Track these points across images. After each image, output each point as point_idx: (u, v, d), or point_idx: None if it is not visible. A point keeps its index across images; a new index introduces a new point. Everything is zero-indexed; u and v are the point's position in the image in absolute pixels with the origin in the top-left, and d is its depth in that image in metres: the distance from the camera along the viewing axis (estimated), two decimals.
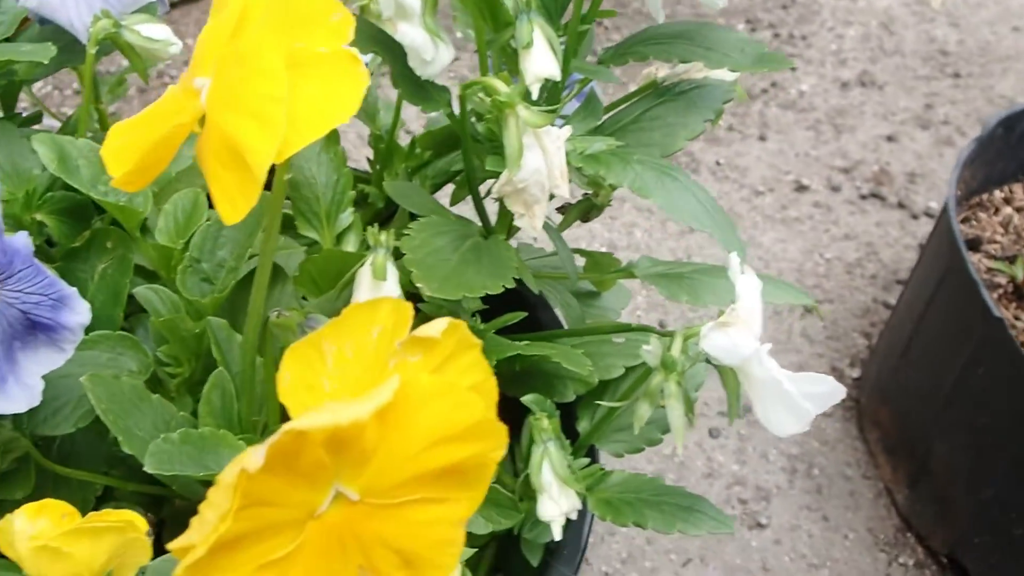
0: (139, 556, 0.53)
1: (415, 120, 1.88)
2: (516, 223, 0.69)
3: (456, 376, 0.47)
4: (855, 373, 1.66)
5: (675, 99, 0.80)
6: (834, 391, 0.66)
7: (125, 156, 0.52)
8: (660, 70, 0.83)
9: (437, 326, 0.46)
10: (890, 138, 2.08)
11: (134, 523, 0.52)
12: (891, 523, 1.48)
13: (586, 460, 0.78)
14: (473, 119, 0.77)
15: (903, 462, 1.48)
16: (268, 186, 0.52)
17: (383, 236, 0.66)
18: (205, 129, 0.53)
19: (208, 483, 0.64)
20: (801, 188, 1.97)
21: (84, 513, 0.71)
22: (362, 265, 0.65)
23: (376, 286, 0.65)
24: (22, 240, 0.59)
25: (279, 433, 0.40)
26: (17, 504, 0.68)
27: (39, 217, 0.75)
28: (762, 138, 2.06)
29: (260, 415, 0.68)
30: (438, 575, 0.48)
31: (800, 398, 0.64)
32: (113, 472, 0.72)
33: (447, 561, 0.48)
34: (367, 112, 0.95)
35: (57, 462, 0.69)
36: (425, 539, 0.47)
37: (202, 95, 0.53)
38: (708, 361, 0.67)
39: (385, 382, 0.43)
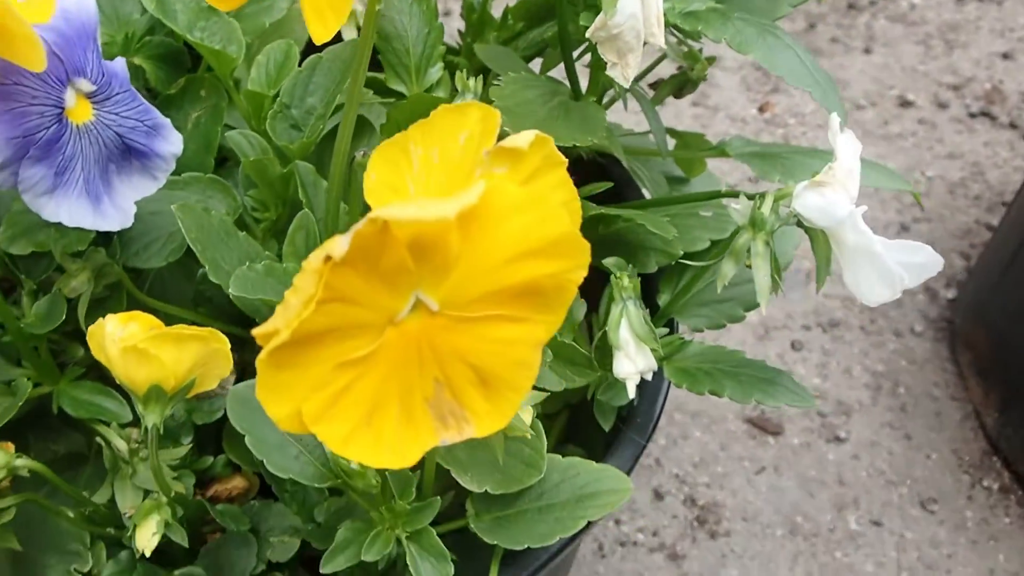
0: (221, 367, 0.55)
1: None
2: (608, 72, 0.67)
3: (545, 190, 0.47)
4: (950, 294, 1.62)
5: None
6: (931, 262, 0.64)
7: None
8: None
9: (525, 137, 0.45)
10: (1006, 55, 1.99)
11: (217, 335, 0.53)
12: (977, 446, 1.45)
13: (665, 330, 0.77)
14: None
15: (996, 385, 1.44)
16: None
17: (472, 81, 0.65)
18: None
19: None
20: (905, 104, 1.90)
21: None
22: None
23: None
24: (119, 64, 0.60)
25: (364, 220, 0.40)
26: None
27: (137, 61, 0.76)
28: (867, 51, 1.99)
29: None
30: (512, 396, 0.48)
31: (894, 265, 0.62)
32: (200, 311, 0.73)
33: (521, 383, 0.48)
34: None
35: (148, 295, 0.71)
36: (501, 357, 0.47)
37: None
38: (800, 225, 0.65)
39: (471, 187, 0.42)
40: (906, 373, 1.53)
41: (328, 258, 0.40)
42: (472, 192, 0.42)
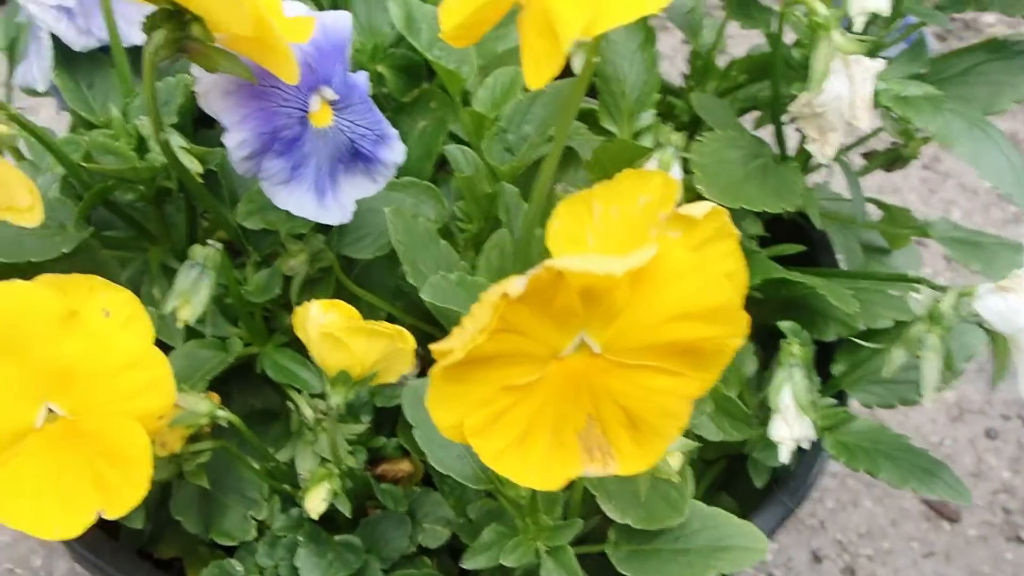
0: (402, 365, 0.61)
1: (737, 42, 1.82)
2: (807, 147, 0.69)
3: (713, 259, 0.50)
4: None
5: (1010, 57, 0.76)
6: None
7: (457, 10, 0.58)
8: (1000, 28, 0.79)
9: (701, 208, 0.49)
10: None
11: (403, 335, 0.59)
12: None
13: (833, 401, 0.78)
14: (790, 46, 0.78)
15: None
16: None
17: (674, 136, 0.68)
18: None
19: None
20: None
21: None
22: (650, 158, 0.68)
23: None
24: (361, 78, 0.67)
25: (540, 267, 0.44)
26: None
27: (380, 69, 0.83)
28: None
29: None
30: (657, 442, 0.51)
31: None
32: (396, 304, 0.80)
33: (668, 431, 0.51)
34: (691, 27, 0.96)
35: (354, 283, 0.78)
36: (652, 405, 0.51)
37: None
38: (980, 325, 0.65)
39: (643, 247, 0.46)
40: None
41: (505, 295, 0.44)
42: (643, 254, 0.46)
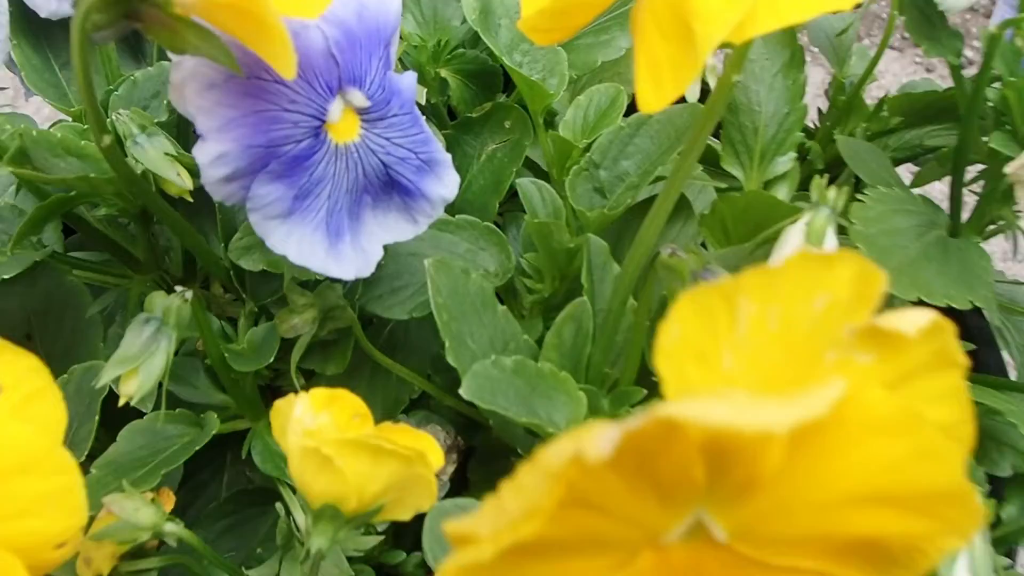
0: (421, 498, 0.42)
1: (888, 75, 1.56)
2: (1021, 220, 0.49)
3: (922, 403, 0.30)
4: None
5: None
6: None
7: None
8: None
9: (915, 319, 0.29)
10: None
11: (426, 456, 0.40)
12: None
13: (1006, 561, 0.57)
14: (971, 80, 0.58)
15: None
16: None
17: (832, 193, 0.49)
18: None
19: (530, 432, 0.52)
20: None
21: (389, 415, 0.62)
22: (794, 221, 0.49)
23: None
24: (407, 81, 0.49)
25: (646, 419, 0.25)
26: (327, 381, 0.60)
27: (444, 73, 0.65)
28: None
29: (614, 367, 0.55)
30: None
31: None
32: (436, 378, 0.62)
33: None
34: (836, 52, 0.77)
35: (381, 348, 0.60)
36: None
37: None
38: None
39: (820, 384, 0.27)
40: None
41: (579, 460, 0.25)
42: (821, 396, 0.27)
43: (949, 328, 0.31)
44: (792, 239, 0.49)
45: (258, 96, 0.43)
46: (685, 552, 0.30)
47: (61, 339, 0.64)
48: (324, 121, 0.45)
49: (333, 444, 0.39)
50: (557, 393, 0.51)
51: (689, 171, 0.45)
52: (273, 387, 0.65)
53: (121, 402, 0.47)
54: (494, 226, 0.60)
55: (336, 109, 0.45)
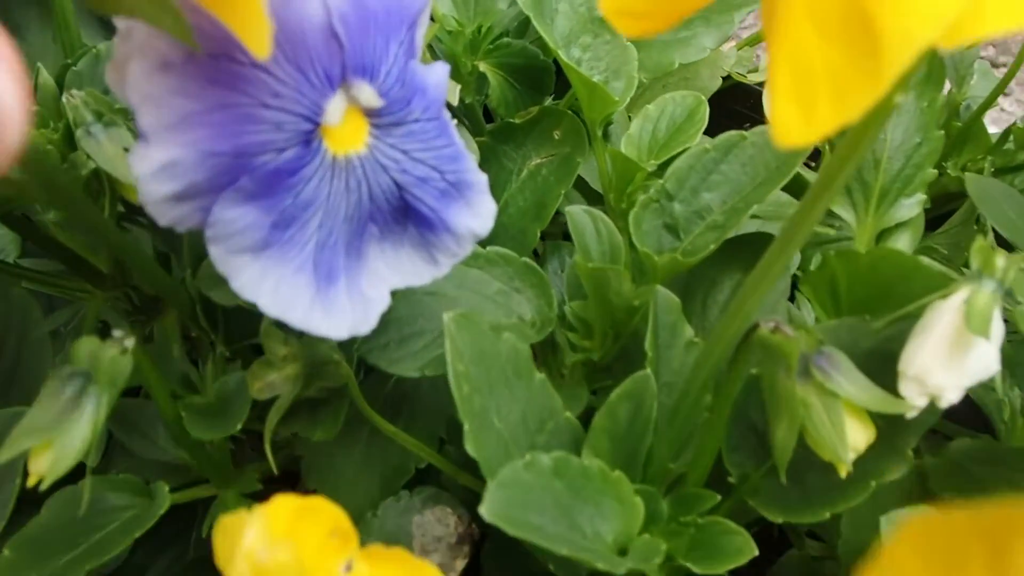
0: None
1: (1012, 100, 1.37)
2: None
3: None
4: None
5: None
6: None
7: None
8: None
9: None
10: None
11: None
12: None
13: None
14: None
15: None
16: None
17: (1000, 260, 0.36)
18: None
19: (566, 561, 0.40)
20: None
21: (390, 489, 0.49)
22: (946, 295, 0.36)
23: (963, 344, 0.36)
24: (436, 75, 0.36)
25: None
26: (312, 445, 0.48)
27: (483, 67, 0.53)
28: None
29: (678, 461, 0.43)
30: None
31: None
32: (448, 447, 0.50)
33: None
34: (957, 68, 0.64)
35: (382, 409, 0.48)
36: None
37: None
38: None
39: None
40: None
41: None
42: None
43: None
44: (943, 321, 0.36)
45: (229, 85, 0.31)
46: None
47: (4, 360, 0.53)
48: (319, 124, 0.33)
49: None
50: (606, 498, 0.39)
51: (818, 215, 0.33)
52: (250, 433, 0.53)
53: (31, 482, 0.35)
54: (534, 263, 0.47)
55: (336, 108, 0.33)
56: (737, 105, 0.77)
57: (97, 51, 0.47)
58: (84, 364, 0.35)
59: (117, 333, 0.36)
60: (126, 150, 0.42)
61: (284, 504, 0.30)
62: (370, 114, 0.35)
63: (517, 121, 0.53)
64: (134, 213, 0.47)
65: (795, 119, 0.27)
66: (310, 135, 0.33)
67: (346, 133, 0.34)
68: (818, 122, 0.26)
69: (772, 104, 0.27)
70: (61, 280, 0.53)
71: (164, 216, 0.32)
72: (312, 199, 0.34)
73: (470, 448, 0.38)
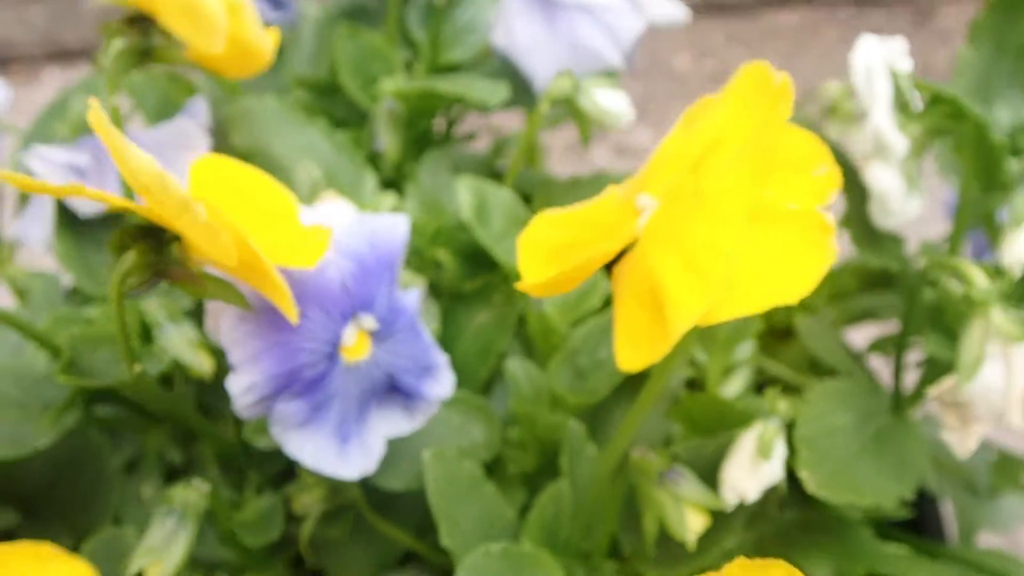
0: None
1: None
2: (943, 435, 0.56)
3: None
4: None
5: None
6: None
7: (542, 263, 0.47)
8: None
9: None
10: None
11: None
12: None
13: None
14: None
15: None
16: None
17: (782, 404, 0.56)
18: (633, 254, 0.46)
19: None
20: None
21: (383, 566, 0.68)
22: (746, 429, 0.56)
23: (756, 463, 0.55)
24: (412, 298, 0.56)
25: None
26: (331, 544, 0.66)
27: (440, 254, 0.72)
28: None
29: (587, 541, 0.61)
30: None
31: None
32: (428, 538, 0.68)
33: None
34: None
35: (375, 506, 0.66)
36: None
37: (641, 219, 0.46)
38: None
39: None
40: None
41: None
42: None
43: None
44: (746, 446, 0.56)
45: (281, 330, 0.50)
46: None
47: (81, 489, 0.70)
48: (338, 346, 0.52)
49: None
50: (538, 570, 0.57)
51: (660, 388, 0.52)
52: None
53: None
54: (484, 402, 0.66)
55: (350, 335, 0.52)
56: None
57: None
58: (176, 505, 0.54)
59: (197, 482, 0.55)
60: (190, 342, 0.61)
61: None
62: (370, 333, 0.54)
63: (467, 290, 0.72)
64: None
65: (630, 352, 0.46)
66: (333, 354, 0.52)
67: (356, 349, 0.53)
68: (642, 356, 0.45)
69: (616, 338, 0.47)
70: (123, 422, 0.71)
71: (245, 414, 0.50)
72: (335, 392, 0.53)
73: (444, 541, 0.57)
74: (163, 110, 0.77)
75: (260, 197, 0.51)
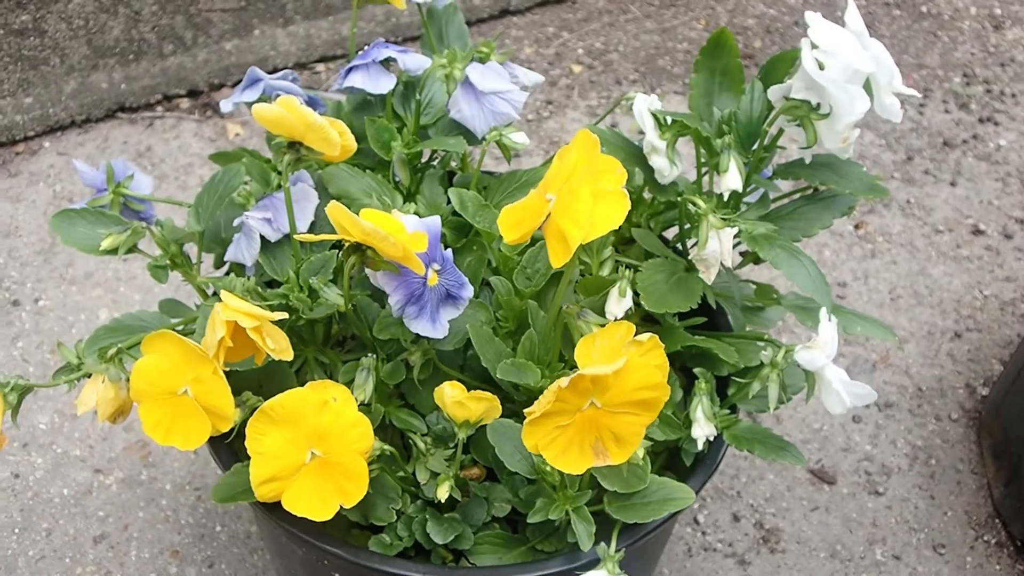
0: (494, 414, 1.13)
1: None
2: (700, 275, 1.23)
3: (650, 359, 1.03)
4: (984, 392, 2.07)
5: (816, 202, 1.31)
6: (867, 394, 1.17)
7: (513, 227, 1.10)
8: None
9: (644, 336, 1.02)
10: None
11: (494, 400, 1.11)
12: (985, 510, 1.90)
13: (727, 411, 1.31)
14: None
15: (1004, 465, 1.89)
16: None
17: (628, 273, 1.21)
18: (549, 220, 1.10)
19: (523, 391, 1.23)
20: (977, 232, 2.35)
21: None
22: (613, 286, 1.21)
23: (620, 299, 1.20)
24: (449, 253, 1.19)
25: (576, 374, 0.96)
26: (420, 383, 1.29)
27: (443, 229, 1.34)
28: (953, 184, 2.45)
29: (548, 355, 1.26)
30: (631, 447, 1.05)
31: (845, 394, 1.15)
32: (465, 374, 1.31)
33: (637, 441, 1.05)
34: None
35: (444, 360, 1.29)
36: (627, 429, 1.04)
37: (550, 204, 1.10)
38: (799, 367, 1.19)
39: (619, 359, 0.99)
40: (939, 449, 1.99)
41: (559, 386, 0.97)
42: (619, 361, 0.99)
43: (655, 338, 1.03)
44: (614, 294, 1.21)
45: (405, 275, 1.13)
46: (589, 412, 1.02)
47: (275, 387, 1.31)
48: (426, 280, 1.15)
49: (465, 398, 1.10)
50: (528, 371, 1.22)
51: (569, 278, 1.17)
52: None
53: (357, 401, 1.16)
54: (482, 302, 1.30)
55: (430, 274, 1.15)
56: None
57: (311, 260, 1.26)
58: (366, 365, 1.17)
59: (369, 356, 1.18)
60: (339, 294, 1.23)
61: (451, 383, 1.13)
62: (437, 271, 1.17)
63: (458, 246, 1.36)
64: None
65: (555, 259, 1.10)
66: (424, 283, 1.15)
67: (432, 279, 1.16)
68: (559, 260, 1.09)
69: (549, 253, 1.11)
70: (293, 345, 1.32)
71: (395, 313, 1.14)
72: (427, 300, 1.16)
73: (484, 363, 1.20)
74: (264, 178, 1.37)
75: (386, 221, 1.12)
